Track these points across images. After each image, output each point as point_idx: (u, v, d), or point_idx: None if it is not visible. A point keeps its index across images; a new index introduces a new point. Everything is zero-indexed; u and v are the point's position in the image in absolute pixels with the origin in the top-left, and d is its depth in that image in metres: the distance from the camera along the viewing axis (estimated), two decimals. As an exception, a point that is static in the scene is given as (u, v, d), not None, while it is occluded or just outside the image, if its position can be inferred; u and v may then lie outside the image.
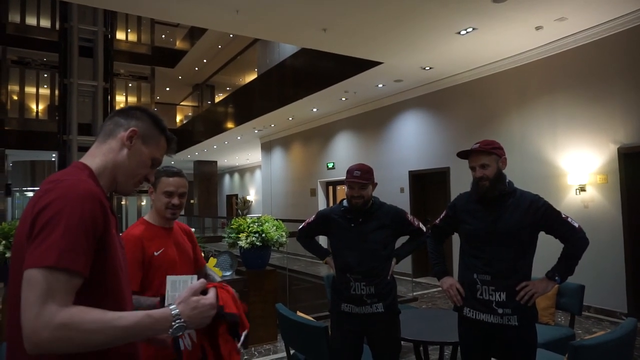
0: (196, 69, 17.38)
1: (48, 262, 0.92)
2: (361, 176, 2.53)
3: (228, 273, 4.66)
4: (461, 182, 7.30)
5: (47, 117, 14.73)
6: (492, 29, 5.63)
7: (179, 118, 19.59)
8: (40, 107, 14.96)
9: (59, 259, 0.93)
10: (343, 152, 10.67)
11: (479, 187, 2.26)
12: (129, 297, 1.20)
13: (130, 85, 16.92)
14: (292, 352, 2.87)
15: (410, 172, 8.58)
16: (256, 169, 19.52)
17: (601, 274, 5.46)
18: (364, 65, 7.28)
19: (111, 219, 1.13)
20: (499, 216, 2.22)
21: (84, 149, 12.58)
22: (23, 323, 0.89)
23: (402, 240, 2.77)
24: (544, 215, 2.19)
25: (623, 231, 5.36)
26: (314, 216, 2.83)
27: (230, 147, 16.03)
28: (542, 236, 2.26)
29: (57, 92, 13.62)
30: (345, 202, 2.67)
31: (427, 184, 8.57)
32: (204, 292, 1.19)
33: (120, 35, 16.18)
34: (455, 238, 2.45)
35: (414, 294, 7.10)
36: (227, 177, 23.93)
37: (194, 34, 15.75)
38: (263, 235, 4.55)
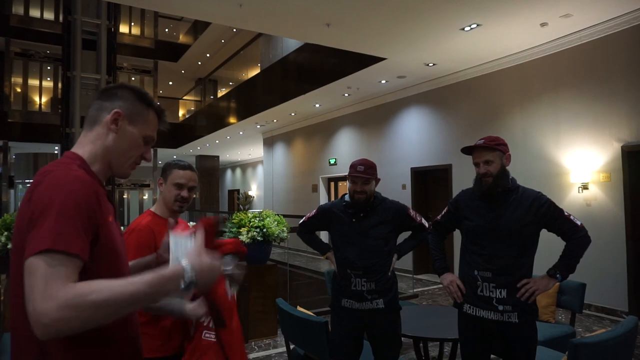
0: (199, 63, 17.35)
1: (44, 246, 0.92)
2: (365, 171, 2.52)
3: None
4: (463, 179, 7.28)
5: (50, 109, 14.73)
6: (496, 25, 5.59)
7: (181, 112, 19.58)
8: (44, 99, 14.96)
9: (54, 242, 0.92)
10: (345, 148, 10.66)
11: (483, 183, 2.25)
12: None
13: (133, 78, 16.90)
14: (292, 347, 2.88)
15: (412, 168, 8.56)
16: (258, 164, 19.52)
17: (602, 272, 5.45)
18: (367, 61, 7.25)
19: (108, 206, 1.13)
20: (501, 213, 2.21)
21: (86, 142, 12.59)
22: (29, 310, 0.88)
23: (403, 236, 2.76)
24: (546, 212, 2.18)
25: (625, 230, 5.35)
26: (315, 211, 2.83)
27: (232, 142, 16.02)
28: (544, 233, 2.25)
29: (60, 84, 13.63)
30: (347, 197, 2.67)
31: (429, 180, 8.56)
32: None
33: (123, 28, 16.14)
34: (457, 234, 2.44)
35: (415, 290, 7.11)
36: (229, 172, 23.94)
37: (198, 28, 15.70)
38: (264, 230, 4.55)
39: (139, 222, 2.02)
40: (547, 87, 6.30)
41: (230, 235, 4.73)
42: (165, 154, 17.13)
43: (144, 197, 16.42)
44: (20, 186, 14.01)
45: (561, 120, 6.12)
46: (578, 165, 5.85)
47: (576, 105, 5.94)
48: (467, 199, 2.39)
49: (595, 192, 5.70)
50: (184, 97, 19.88)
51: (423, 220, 2.71)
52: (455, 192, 3.08)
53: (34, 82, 14.72)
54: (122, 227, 1.48)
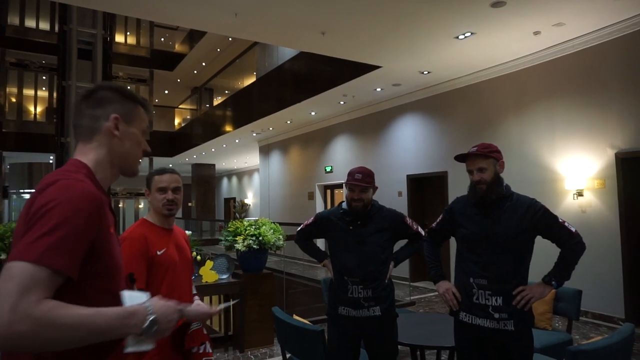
0: (195, 72, 17.39)
1: (30, 256, 0.90)
2: (362, 179, 2.53)
3: (225, 276, 4.64)
4: (459, 186, 7.30)
5: (45, 119, 14.69)
6: (490, 34, 5.64)
7: (177, 121, 19.58)
8: (39, 109, 14.93)
9: (41, 255, 0.90)
10: (341, 156, 10.67)
11: (477, 190, 2.25)
12: None
13: (129, 87, 16.93)
14: (288, 355, 2.86)
15: (408, 176, 8.58)
16: (254, 172, 19.51)
17: (599, 279, 5.46)
18: (362, 69, 7.29)
19: (109, 217, 1.12)
20: (496, 220, 2.22)
21: (81, 151, 12.56)
22: None
23: (399, 244, 2.76)
24: (541, 219, 2.19)
25: (620, 236, 5.37)
26: (312, 218, 2.82)
27: (228, 151, 16.02)
28: (539, 240, 2.25)
29: (55, 94, 13.62)
30: (344, 205, 2.67)
31: (425, 188, 8.57)
32: None
33: (119, 38, 16.19)
34: (453, 242, 2.44)
35: (412, 298, 7.09)
36: (225, 180, 23.90)
37: (193, 37, 15.77)
38: (260, 238, 4.54)
39: (132, 231, 2.02)
40: (542, 95, 6.35)
41: (226, 243, 4.71)
42: (162, 163, 17.08)
43: (140, 206, 16.34)
44: (15, 196, 13.91)
45: (556, 127, 6.16)
46: (573, 172, 5.88)
47: (570, 113, 5.98)
48: (462, 206, 2.39)
49: (590, 198, 5.72)
50: (180, 106, 19.90)
51: (419, 229, 2.71)
52: (451, 199, 3.08)
53: (29, 91, 14.70)
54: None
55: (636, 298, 5.28)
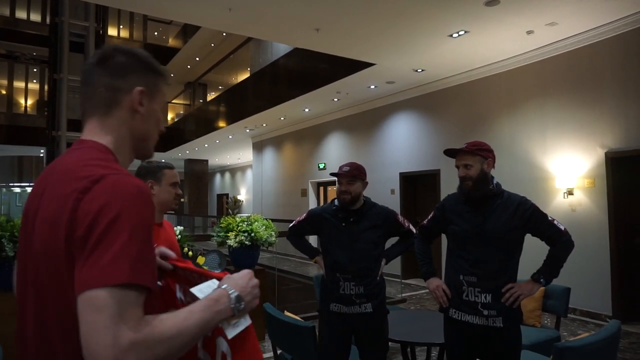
0: (188, 67, 17.28)
1: (114, 279, 0.77)
2: (349, 171, 2.55)
3: (216, 272, 4.63)
4: (451, 184, 7.30)
5: (35, 112, 14.55)
6: (483, 33, 5.67)
7: (170, 116, 19.48)
8: (29, 102, 14.77)
9: (127, 276, 0.78)
10: (334, 153, 10.68)
11: (463, 185, 2.28)
12: None
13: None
14: (279, 352, 2.87)
15: (400, 173, 8.61)
16: (247, 168, 19.46)
17: (587, 277, 5.52)
18: (356, 66, 7.29)
19: None
20: (486, 218, 2.24)
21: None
22: (95, 353, 0.74)
23: (391, 242, 2.78)
24: (530, 217, 2.21)
25: (609, 235, 5.43)
26: (305, 215, 2.83)
27: (221, 146, 15.96)
28: (529, 238, 2.28)
29: (46, 87, 13.47)
30: (337, 202, 2.68)
31: (417, 185, 8.61)
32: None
33: (112, 31, 16.05)
34: (444, 239, 2.46)
35: (403, 295, 7.13)
36: (218, 176, 23.82)
37: (187, 31, 15.65)
38: (252, 234, 4.53)
39: None
40: (534, 94, 6.39)
41: (217, 239, 4.70)
42: (154, 158, 16.98)
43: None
44: (4, 189, 13.78)
45: (547, 127, 6.20)
46: (563, 171, 5.94)
47: (562, 112, 6.03)
48: (453, 203, 2.41)
49: (580, 197, 5.78)
50: (173, 101, 19.77)
51: (411, 227, 2.73)
52: (444, 197, 3.09)
53: (19, 84, 14.54)
54: None
55: (623, 295, 5.35)
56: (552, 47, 6.04)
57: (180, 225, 5.14)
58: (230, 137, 14.09)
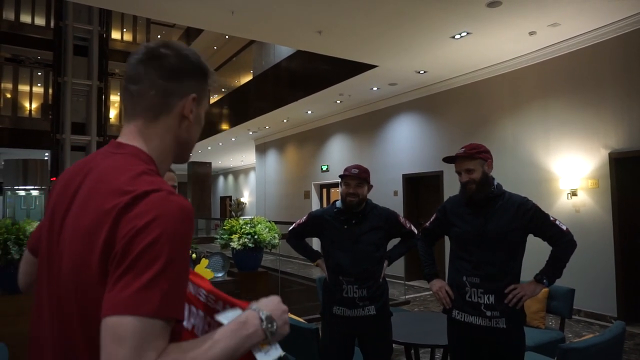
0: (191, 69, 17.34)
1: (144, 310, 0.72)
2: (358, 174, 2.55)
3: (220, 274, 4.64)
4: (454, 185, 7.31)
5: (40, 115, 14.63)
6: (486, 34, 5.66)
7: (173, 118, 19.52)
8: (34, 105, 14.85)
9: (160, 306, 0.73)
10: (337, 155, 10.68)
11: (466, 190, 2.28)
12: None
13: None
14: (282, 354, 2.86)
15: (403, 175, 8.60)
16: (250, 170, 19.48)
17: (591, 278, 5.50)
18: (359, 68, 7.30)
19: None
20: (488, 219, 2.23)
21: (77, 148, 12.56)
22: None
23: (392, 243, 2.77)
24: (532, 217, 2.21)
25: (613, 236, 5.41)
26: (305, 217, 2.82)
27: (224, 149, 16.00)
28: (532, 239, 2.27)
29: (51, 90, 13.55)
30: (338, 204, 2.67)
31: (420, 187, 8.60)
32: None
33: (115, 34, 16.11)
34: (448, 240, 2.46)
35: (407, 297, 7.11)
36: (221, 179, 23.86)
37: (190, 34, 15.72)
38: (255, 236, 4.54)
39: None
40: (537, 95, 6.38)
41: (221, 242, 4.71)
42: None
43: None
44: (9, 192, 13.84)
45: (550, 127, 6.19)
46: (567, 172, 5.92)
47: (565, 113, 6.01)
48: (454, 205, 2.41)
49: (583, 198, 5.76)
50: (176, 104, 19.83)
51: (412, 227, 2.73)
52: (447, 198, 3.08)
53: (24, 87, 14.63)
54: None
55: (628, 297, 5.32)
56: (555, 48, 6.03)
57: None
58: (233, 139, 14.13)
